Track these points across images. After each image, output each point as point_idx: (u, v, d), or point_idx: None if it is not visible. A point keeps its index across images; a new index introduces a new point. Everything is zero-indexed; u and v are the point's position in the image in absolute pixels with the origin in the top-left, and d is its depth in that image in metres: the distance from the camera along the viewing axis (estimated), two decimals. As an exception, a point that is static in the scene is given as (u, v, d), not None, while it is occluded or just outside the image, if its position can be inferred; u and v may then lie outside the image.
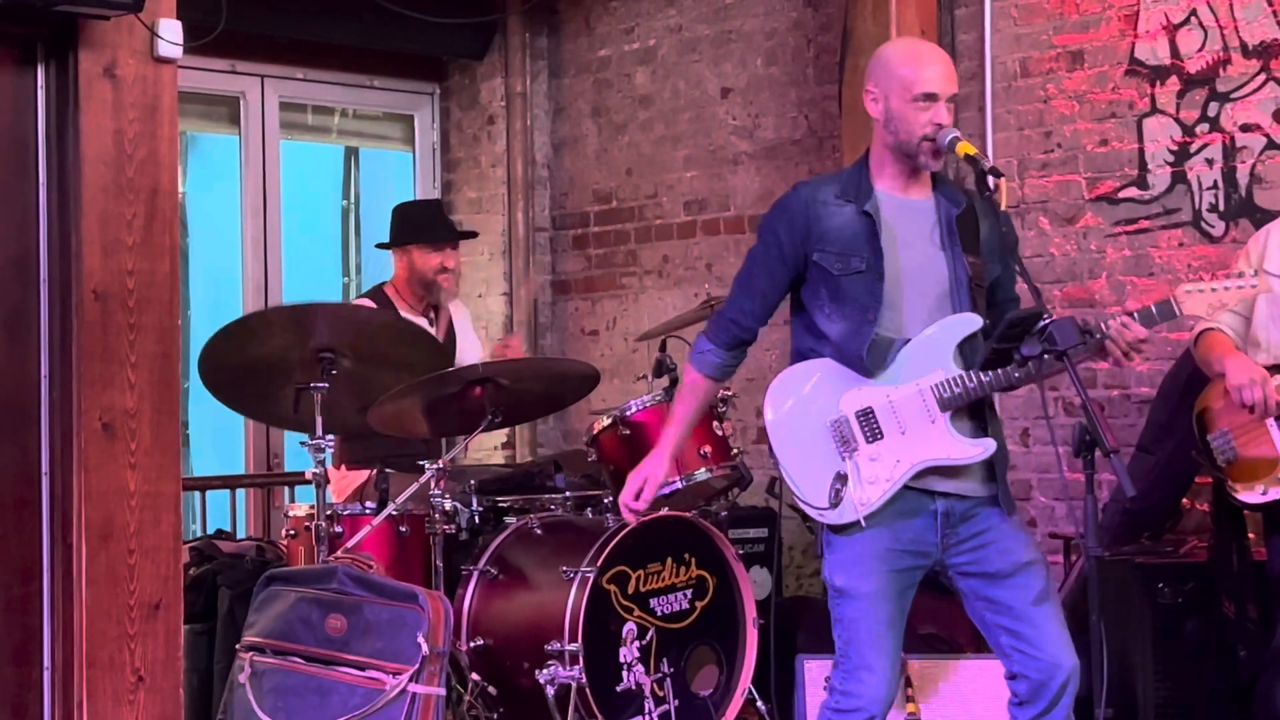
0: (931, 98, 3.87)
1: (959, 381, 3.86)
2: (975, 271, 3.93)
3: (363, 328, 5.18)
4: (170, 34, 4.49)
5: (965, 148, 3.81)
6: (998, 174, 3.78)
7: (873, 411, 3.90)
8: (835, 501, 3.88)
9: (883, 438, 3.89)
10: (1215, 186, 5.88)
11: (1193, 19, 5.96)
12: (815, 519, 3.94)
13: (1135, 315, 3.82)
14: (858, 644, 3.89)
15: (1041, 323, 3.64)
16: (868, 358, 3.90)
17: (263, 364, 5.11)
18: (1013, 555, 3.91)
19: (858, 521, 3.89)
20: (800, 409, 3.98)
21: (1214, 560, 4.94)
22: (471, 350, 6.27)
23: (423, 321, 6.08)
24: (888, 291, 3.89)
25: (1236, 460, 4.59)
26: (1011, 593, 3.90)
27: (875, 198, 3.95)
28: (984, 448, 3.88)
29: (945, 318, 3.91)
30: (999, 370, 3.83)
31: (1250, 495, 4.58)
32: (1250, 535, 4.98)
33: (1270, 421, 4.52)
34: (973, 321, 3.90)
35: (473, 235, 6.71)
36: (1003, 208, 3.79)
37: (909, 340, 3.91)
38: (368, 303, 6.05)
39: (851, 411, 3.92)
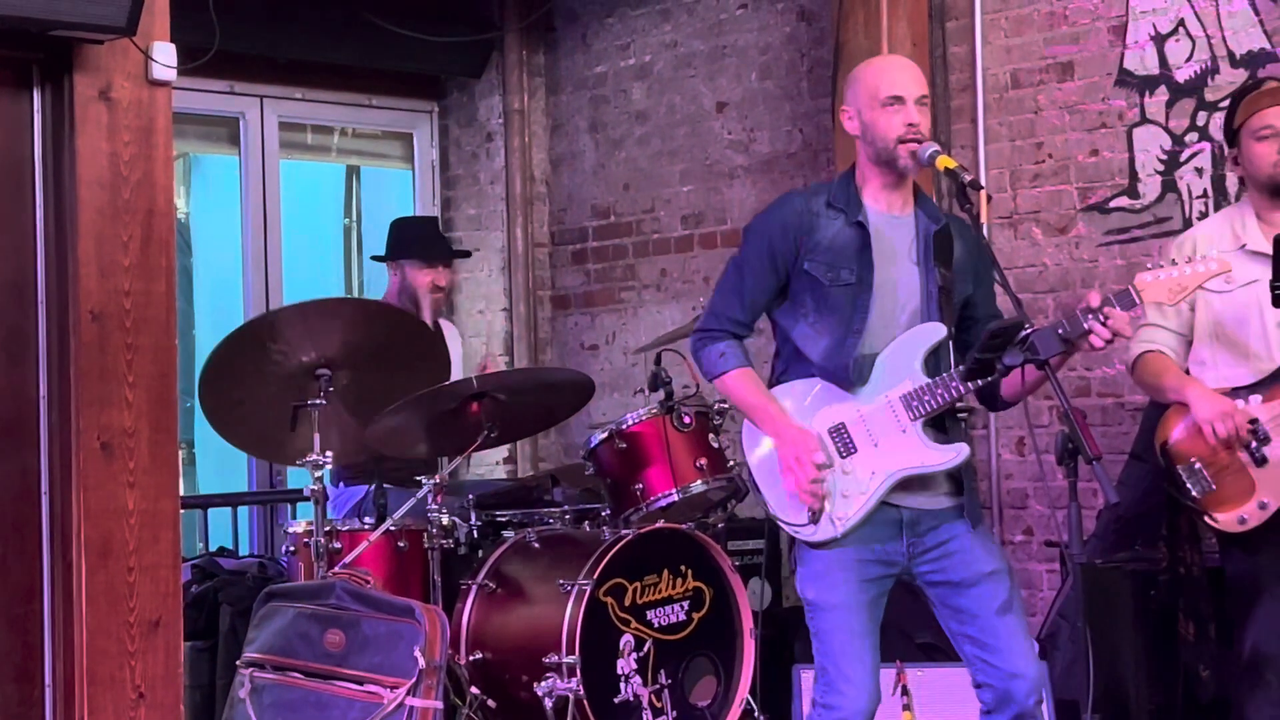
0: (898, 99, 3.92)
1: (927, 390, 3.90)
2: (946, 284, 3.97)
3: (369, 321, 5.24)
4: (164, 57, 4.53)
5: (945, 161, 3.85)
6: (978, 186, 3.82)
7: (845, 426, 3.95)
8: (813, 519, 3.92)
9: (856, 451, 3.93)
10: (1205, 195, 5.91)
11: (1181, 29, 5.99)
12: (794, 536, 3.98)
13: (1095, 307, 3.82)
14: (835, 656, 3.93)
15: (1023, 332, 3.67)
16: (853, 370, 3.95)
17: (259, 387, 5.16)
18: (976, 565, 3.95)
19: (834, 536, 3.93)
20: None
21: (1172, 579, 4.78)
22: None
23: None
24: (873, 304, 3.95)
25: (1211, 489, 4.47)
26: (974, 602, 3.94)
27: (865, 211, 4.00)
28: (957, 452, 3.92)
29: (909, 331, 3.96)
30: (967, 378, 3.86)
31: (1229, 524, 4.45)
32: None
33: (1241, 449, 4.41)
34: (937, 331, 3.95)
35: (466, 255, 6.75)
36: (982, 220, 3.83)
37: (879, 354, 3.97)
38: None
39: (824, 428, 3.96)
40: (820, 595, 3.95)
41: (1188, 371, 4.61)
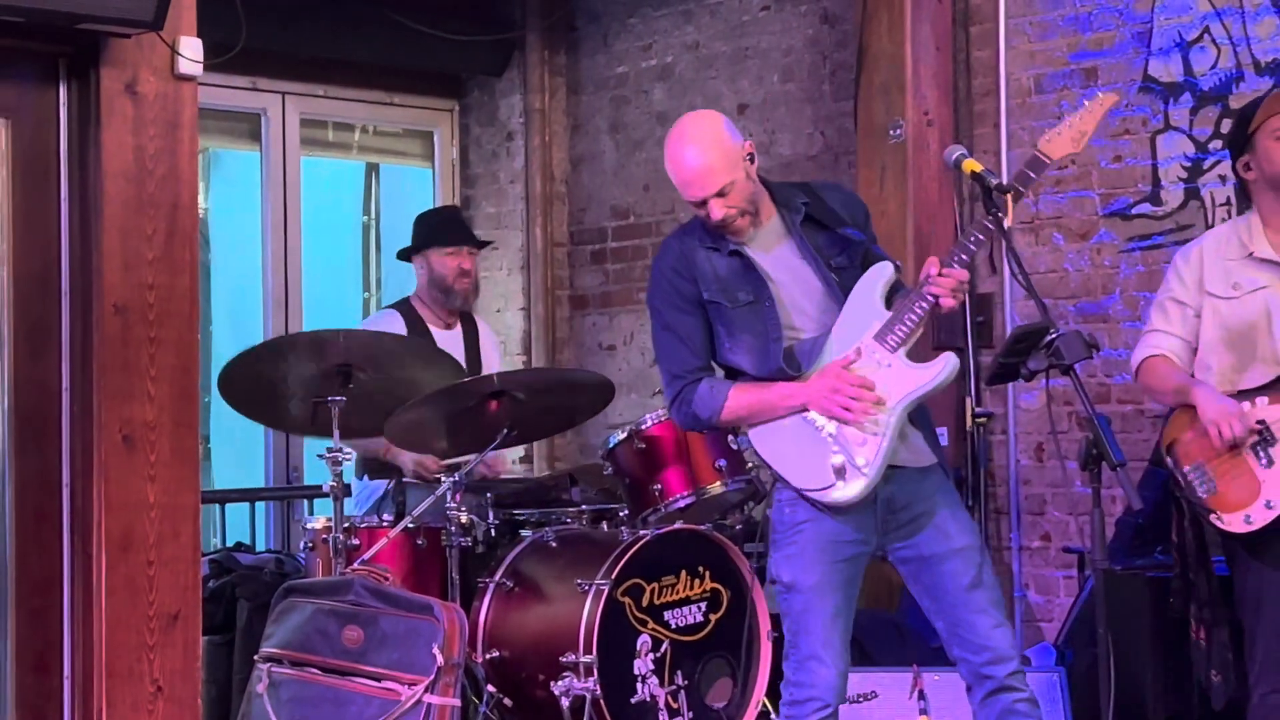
0: (700, 203, 4.06)
1: (894, 318, 3.94)
2: (846, 250, 4.08)
3: (384, 353, 5.26)
4: (191, 51, 4.54)
5: (971, 165, 3.87)
6: (1004, 190, 3.82)
7: None
8: (840, 473, 3.94)
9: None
10: (1228, 203, 5.90)
11: (1206, 36, 5.99)
12: (819, 500, 3.99)
13: (1014, 180, 3.90)
14: (806, 634, 4.01)
15: (1048, 337, 3.67)
16: (787, 365, 4.02)
17: (283, 380, 5.20)
18: (946, 541, 4.03)
19: (811, 517, 3.99)
20: None
21: (1183, 584, 4.72)
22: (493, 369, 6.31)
23: (451, 334, 6.13)
24: (779, 311, 4.05)
25: (1217, 491, 4.48)
26: (944, 578, 4.02)
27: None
28: (944, 362, 3.95)
29: (859, 282, 4.02)
30: (925, 292, 3.87)
31: (1235, 524, 4.46)
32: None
33: (1247, 450, 4.44)
34: (884, 269, 4.04)
35: (488, 243, 6.73)
36: (1008, 223, 3.84)
37: (828, 332, 4.03)
38: (394, 315, 6.10)
39: None
40: (794, 576, 4.02)
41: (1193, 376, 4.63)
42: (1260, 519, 4.43)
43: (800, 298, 4.08)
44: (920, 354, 4.00)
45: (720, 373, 4.20)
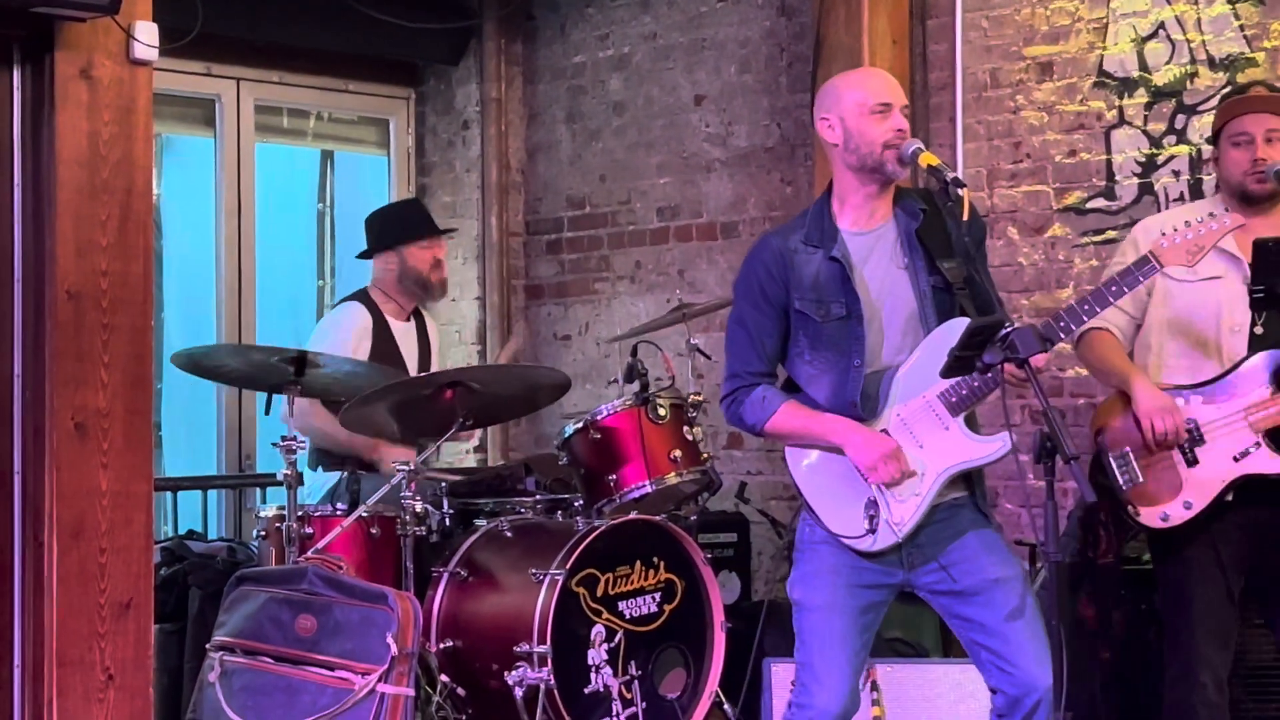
0: (887, 106, 3.94)
1: (965, 384, 3.88)
2: (953, 276, 3.93)
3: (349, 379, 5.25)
4: (146, 36, 4.52)
5: (928, 158, 3.85)
6: (960, 184, 3.81)
7: (887, 432, 3.93)
8: (872, 528, 3.91)
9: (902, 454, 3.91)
10: (1181, 198, 5.94)
11: (1161, 32, 6.02)
12: (854, 548, 3.94)
13: (1117, 278, 3.87)
14: (810, 657, 3.95)
15: (1003, 330, 3.66)
16: (862, 405, 3.94)
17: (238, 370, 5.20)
18: (982, 573, 3.92)
19: (829, 539, 3.94)
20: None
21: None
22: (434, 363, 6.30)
23: (408, 326, 6.10)
24: (866, 332, 3.94)
25: (1139, 482, 4.48)
26: (983, 610, 3.91)
27: (841, 239, 4.00)
28: (1002, 442, 3.88)
29: (936, 329, 3.91)
30: (998, 369, 3.77)
31: (1151, 519, 4.47)
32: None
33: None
34: (960, 325, 3.91)
35: (454, 230, 6.72)
36: (964, 217, 3.82)
37: (897, 367, 3.94)
38: (358, 307, 6.03)
39: None
40: (805, 595, 3.97)
41: (1132, 355, 4.63)
42: (1177, 518, 4.43)
43: (885, 315, 3.96)
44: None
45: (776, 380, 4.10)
